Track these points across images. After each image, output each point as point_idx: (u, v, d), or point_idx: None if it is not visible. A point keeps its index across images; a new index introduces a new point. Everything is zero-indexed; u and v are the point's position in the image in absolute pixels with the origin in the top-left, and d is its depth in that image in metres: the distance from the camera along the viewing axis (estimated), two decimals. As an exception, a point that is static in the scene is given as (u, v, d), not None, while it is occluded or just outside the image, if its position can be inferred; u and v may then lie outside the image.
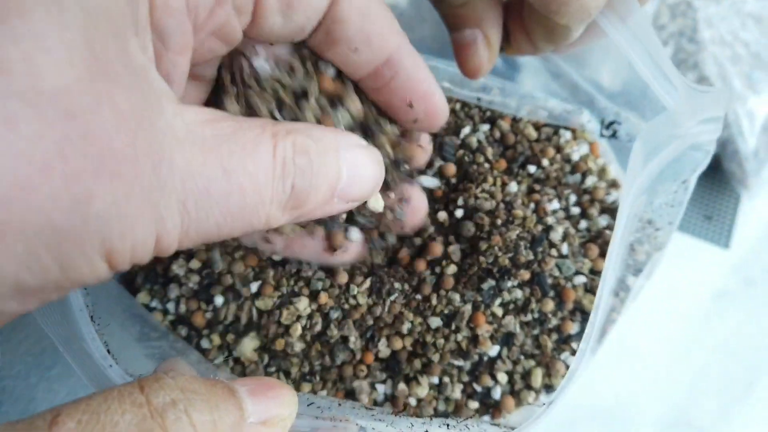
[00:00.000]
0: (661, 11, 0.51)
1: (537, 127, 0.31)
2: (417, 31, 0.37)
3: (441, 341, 0.27)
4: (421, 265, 0.28)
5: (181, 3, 0.16)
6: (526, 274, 0.27)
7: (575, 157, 0.30)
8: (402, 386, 0.28)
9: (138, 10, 0.15)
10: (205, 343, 0.28)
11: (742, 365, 0.48)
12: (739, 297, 0.50)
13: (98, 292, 0.23)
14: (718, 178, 0.53)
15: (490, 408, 0.27)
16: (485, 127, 0.31)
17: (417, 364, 0.27)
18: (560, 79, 0.29)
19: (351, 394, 0.28)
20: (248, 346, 0.28)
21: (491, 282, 0.27)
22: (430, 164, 0.30)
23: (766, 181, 0.50)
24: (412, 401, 0.28)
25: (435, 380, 0.27)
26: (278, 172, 0.16)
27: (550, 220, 0.28)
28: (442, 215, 0.29)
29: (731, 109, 0.49)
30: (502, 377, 0.27)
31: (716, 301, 0.50)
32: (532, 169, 0.30)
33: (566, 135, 0.31)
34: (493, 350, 0.27)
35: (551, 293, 0.27)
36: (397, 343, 0.27)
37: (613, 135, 0.29)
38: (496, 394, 0.27)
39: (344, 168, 0.17)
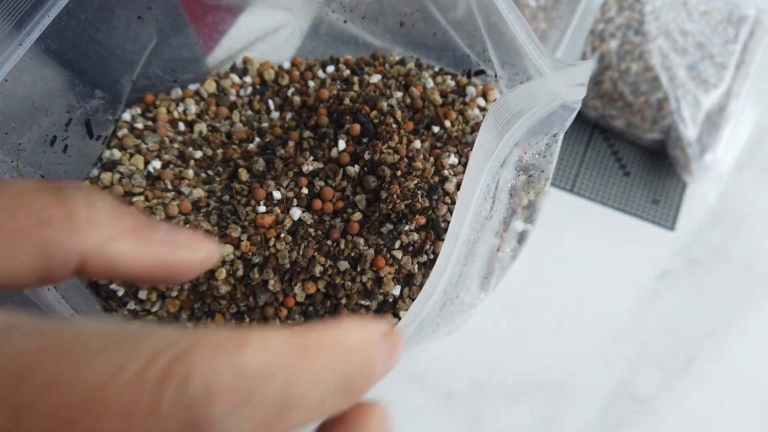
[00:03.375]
0: (609, 4, 0.54)
1: (444, 94, 0.34)
2: (380, 21, 0.41)
3: (349, 283, 0.30)
4: (328, 208, 0.31)
5: None
6: (422, 219, 0.30)
7: (477, 117, 0.33)
8: None
9: None
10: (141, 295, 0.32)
11: (683, 340, 0.50)
12: (682, 276, 0.52)
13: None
14: (667, 164, 0.55)
15: None
16: (398, 93, 0.34)
17: (329, 305, 0.31)
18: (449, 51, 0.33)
19: None
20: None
21: (390, 226, 0.30)
22: (341, 125, 0.33)
23: (708, 167, 0.52)
24: None
25: None
26: None
27: (446, 172, 0.31)
28: (351, 170, 0.32)
29: (674, 97, 0.52)
30: (404, 314, 0.30)
31: (661, 279, 0.52)
32: (436, 129, 0.33)
33: (471, 92, 0.34)
34: (396, 290, 0.30)
35: (443, 236, 0.30)
36: (311, 288, 0.30)
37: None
38: (398, 329, 0.30)
39: None
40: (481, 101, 0.34)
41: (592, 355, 0.50)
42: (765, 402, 0.48)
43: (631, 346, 0.50)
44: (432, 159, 0.31)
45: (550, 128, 0.27)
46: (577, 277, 0.52)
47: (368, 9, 0.35)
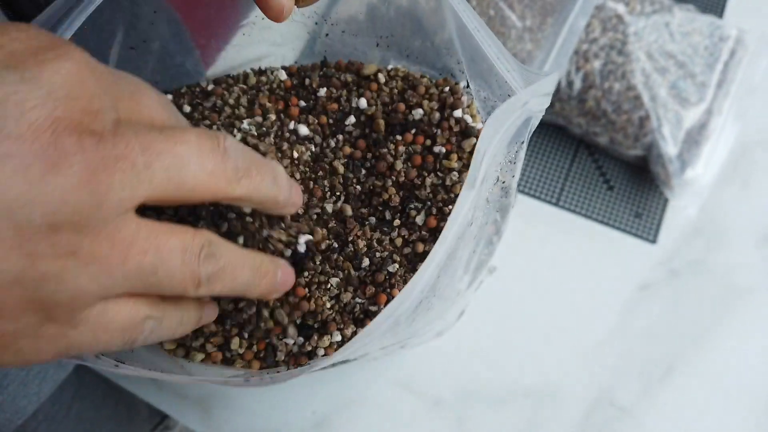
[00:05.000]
0: (593, 25, 0.56)
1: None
2: (377, 49, 0.43)
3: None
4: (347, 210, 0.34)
5: None
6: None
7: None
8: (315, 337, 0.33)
9: None
10: None
11: (664, 350, 0.52)
12: (663, 287, 0.54)
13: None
14: (649, 178, 0.57)
15: None
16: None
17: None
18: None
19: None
20: None
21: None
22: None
23: (688, 182, 0.54)
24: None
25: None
26: None
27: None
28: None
29: (655, 115, 0.54)
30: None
31: (642, 290, 0.54)
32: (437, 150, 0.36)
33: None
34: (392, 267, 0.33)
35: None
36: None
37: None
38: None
39: None
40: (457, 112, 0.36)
41: (574, 364, 0.52)
42: (742, 409, 0.50)
43: (613, 355, 0.52)
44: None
45: (518, 137, 0.29)
46: (560, 288, 0.54)
47: (360, 28, 0.37)
